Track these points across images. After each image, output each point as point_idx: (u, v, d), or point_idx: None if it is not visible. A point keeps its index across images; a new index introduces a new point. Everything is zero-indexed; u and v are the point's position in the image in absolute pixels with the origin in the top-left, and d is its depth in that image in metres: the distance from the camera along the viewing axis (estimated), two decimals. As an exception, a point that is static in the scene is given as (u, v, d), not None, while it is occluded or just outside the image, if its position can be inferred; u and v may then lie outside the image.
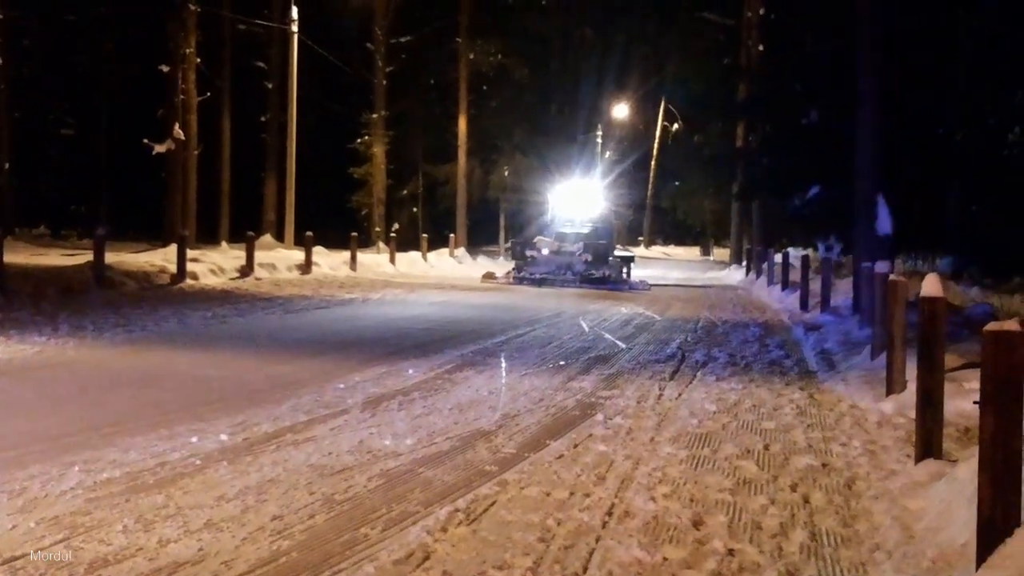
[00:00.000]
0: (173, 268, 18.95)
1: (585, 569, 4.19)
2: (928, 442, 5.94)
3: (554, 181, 30.65)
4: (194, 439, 6.23)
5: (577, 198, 27.40)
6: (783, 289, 20.82)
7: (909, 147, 17.13)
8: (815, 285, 17.38)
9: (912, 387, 6.80)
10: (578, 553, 4.37)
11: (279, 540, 4.43)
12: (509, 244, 34.16)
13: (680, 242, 60.49)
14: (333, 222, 34.56)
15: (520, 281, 23.91)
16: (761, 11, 32.17)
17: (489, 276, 24.58)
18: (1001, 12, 17.45)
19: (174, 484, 5.24)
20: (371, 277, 24.43)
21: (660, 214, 59.70)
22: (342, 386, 8.35)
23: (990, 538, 3.79)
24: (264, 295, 17.69)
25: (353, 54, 37.45)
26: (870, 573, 4.32)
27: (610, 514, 4.94)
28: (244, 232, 23.39)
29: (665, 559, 4.33)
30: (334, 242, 28.40)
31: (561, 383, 8.94)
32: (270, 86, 36.92)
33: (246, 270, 21.33)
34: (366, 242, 33.00)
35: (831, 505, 5.28)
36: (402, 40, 38.52)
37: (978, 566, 3.82)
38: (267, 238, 32.96)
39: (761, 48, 31.34)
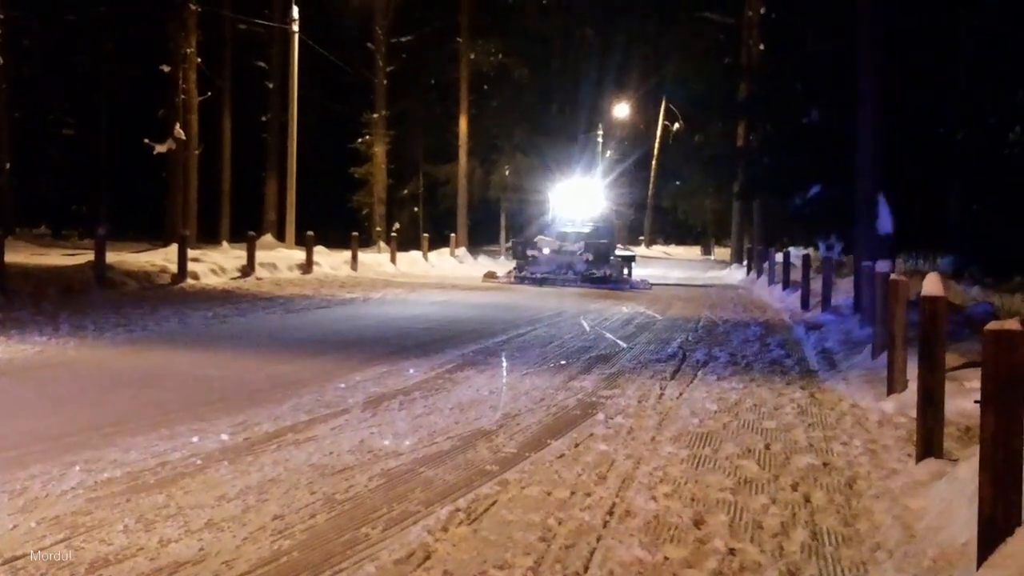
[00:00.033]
0: (174, 268, 18.96)
1: (586, 568, 4.19)
2: (929, 441, 5.94)
3: (555, 181, 30.62)
4: (195, 439, 6.23)
5: (578, 197, 27.39)
6: (784, 288, 20.81)
7: (910, 146, 17.14)
8: (816, 284, 17.37)
9: (913, 386, 6.80)
10: (579, 552, 4.37)
11: (280, 540, 4.43)
12: (510, 244, 34.16)
13: (681, 241, 60.47)
14: (334, 222, 34.56)
15: (521, 280, 23.92)
16: (762, 10, 32.16)
17: (490, 275, 24.59)
18: (1001, 11, 17.46)
19: (175, 484, 5.24)
20: (372, 277, 24.43)
21: (661, 213, 59.66)
22: (343, 385, 8.35)
23: (991, 537, 3.79)
24: (265, 295, 17.70)
25: (354, 54, 37.44)
26: (871, 572, 4.32)
27: (611, 513, 4.94)
28: (245, 232, 23.39)
29: (666, 558, 4.33)
30: (335, 242, 28.41)
31: (562, 382, 8.94)
32: (271, 86, 36.92)
33: (247, 270, 21.34)
34: (367, 242, 33.00)
35: (832, 504, 5.28)
36: (403, 40, 38.53)
37: (979, 565, 3.82)
38: (268, 238, 32.98)
39: (762, 47, 31.34)
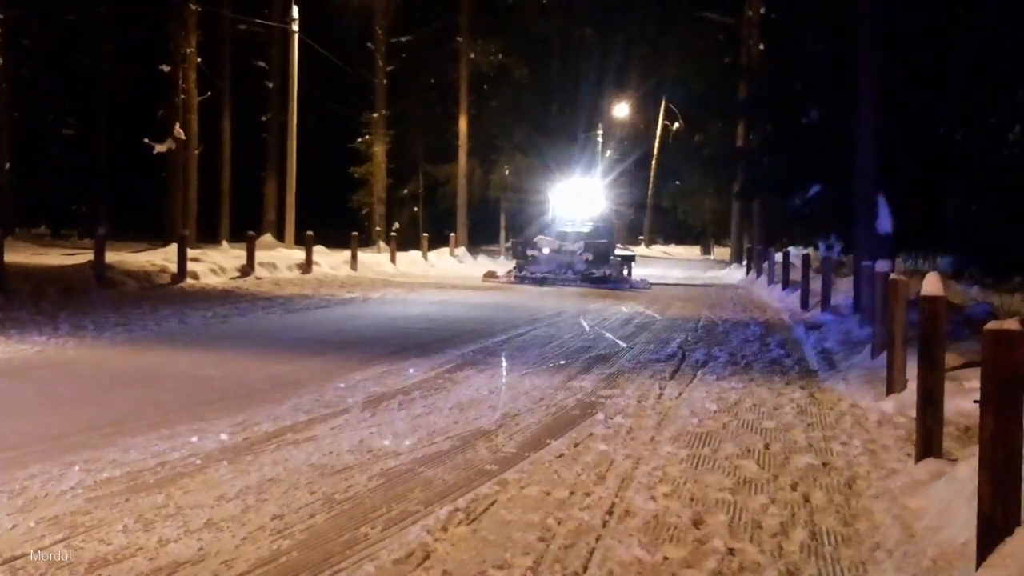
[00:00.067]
0: (174, 268, 18.96)
1: (585, 568, 4.19)
2: (928, 441, 5.93)
3: (555, 180, 30.62)
4: (194, 439, 6.23)
5: (578, 197, 27.39)
6: (783, 288, 20.82)
7: (909, 146, 17.13)
8: (816, 284, 17.37)
9: (912, 386, 6.80)
10: (578, 552, 4.37)
11: (279, 539, 4.43)
12: (510, 243, 34.17)
13: (680, 241, 60.50)
14: (334, 221, 34.56)
15: (521, 280, 23.93)
16: (762, 10, 32.13)
17: (490, 275, 24.59)
18: (1001, 11, 17.44)
19: (174, 484, 5.24)
20: (371, 276, 24.43)
21: (661, 213, 59.66)
22: (342, 385, 8.35)
23: (990, 537, 3.79)
24: (265, 294, 17.70)
25: (353, 54, 37.44)
26: (870, 572, 4.32)
27: (610, 513, 4.94)
28: (245, 232, 23.40)
29: (665, 558, 4.33)
30: (334, 241, 28.41)
31: (562, 382, 8.94)
32: (270, 86, 36.91)
33: (247, 269, 21.34)
34: (366, 241, 33.00)
35: (831, 504, 5.28)
36: (402, 40, 38.53)
37: (978, 565, 3.82)
38: (268, 237, 32.97)
39: (761, 47, 31.31)
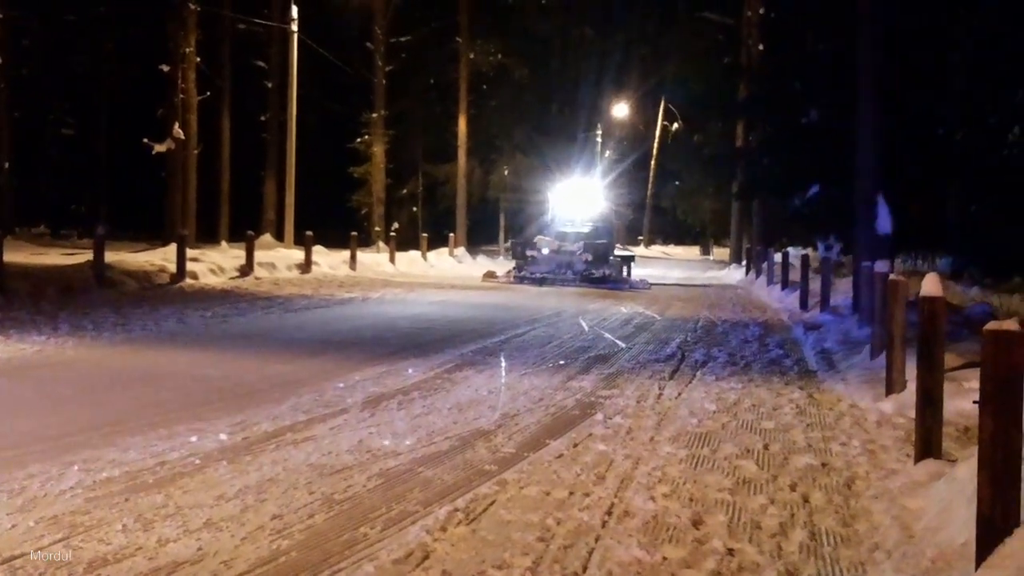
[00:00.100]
0: (173, 267, 18.95)
1: (584, 569, 4.19)
2: (928, 441, 5.93)
3: (554, 181, 30.64)
4: (193, 438, 6.23)
5: (577, 197, 27.41)
6: (783, 288, 20.82)
7: (909, 146, 17.11)
8: (815, 284, 17.37)
9: (912, 387, 6.80)
10: (577, 553, 4.37)
11: (278, 539, 4.43)
12: (509, 244, 34.17)
13: (680, 241, 60.54)
14: (333, 221, 34.57)
15: (520, 280, 23.93)
16: (761, 10, 32.14)
17: (490, 275, 24.60)
18: (1001, 11, 17.42)
19: (173, 483, 5.24)
20: (371, 276, 24.43)
21: (660, 213, 59.71)
22: (342, 385, 8.35)
23: (989, 537, 3.79)
24: (264, 294, 17.69)
25: (353, 53, 37.45)
26: (869, 573, 4.32)
27: (610, 513, 4.93)
28: (244, 231, 23.40)
29: (665, 559, 4.33)
30: (334, 241, 28.41)
31: (561, 382, 8.94)
32: (270, 85, 36.93)
33: (246, 269, 21.33)
34: (366, 241, 33.02)
35: (831, 505, 5.28)
36: (402, 40, 38.53)
37: (977, 565, 3.82)
38: (267, 237, 32.96)
39: (761, 47, 31.29)
